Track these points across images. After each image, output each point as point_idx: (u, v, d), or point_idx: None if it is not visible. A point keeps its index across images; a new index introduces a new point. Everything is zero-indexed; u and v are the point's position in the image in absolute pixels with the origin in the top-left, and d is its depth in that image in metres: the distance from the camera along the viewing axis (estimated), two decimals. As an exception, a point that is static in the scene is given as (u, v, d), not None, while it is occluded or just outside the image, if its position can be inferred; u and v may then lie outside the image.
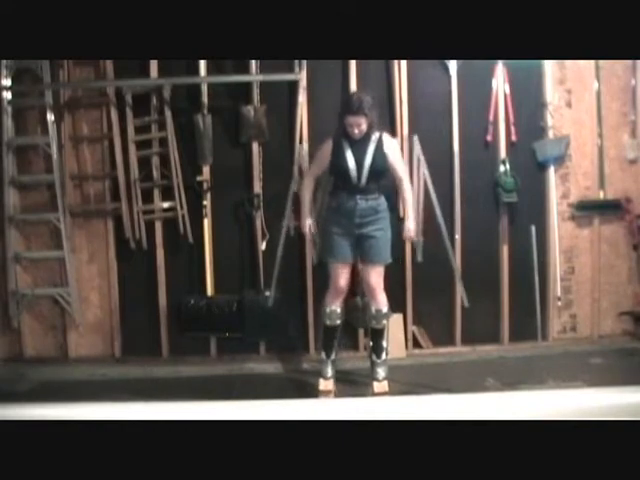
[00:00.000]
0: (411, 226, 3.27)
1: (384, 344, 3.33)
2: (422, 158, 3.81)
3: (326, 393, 3.31)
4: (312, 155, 3.62)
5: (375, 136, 3.18)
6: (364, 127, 3.12)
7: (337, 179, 3.25)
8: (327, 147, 3.25)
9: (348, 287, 3.31)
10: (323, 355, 3.38)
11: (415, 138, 3.85)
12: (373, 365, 3.33)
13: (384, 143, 3.20)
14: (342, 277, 3.24)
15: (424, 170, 3.83)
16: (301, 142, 3.81)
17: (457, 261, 3.99)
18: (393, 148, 3.26)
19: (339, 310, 3.31)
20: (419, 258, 3.92)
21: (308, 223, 3.32)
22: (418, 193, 3.84)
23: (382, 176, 3.22)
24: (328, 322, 3.32)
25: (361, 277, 3.29)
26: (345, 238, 3.20)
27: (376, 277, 3.24)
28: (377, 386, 3.28)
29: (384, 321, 3.30)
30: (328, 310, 3.31)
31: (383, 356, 3.32)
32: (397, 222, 3.47)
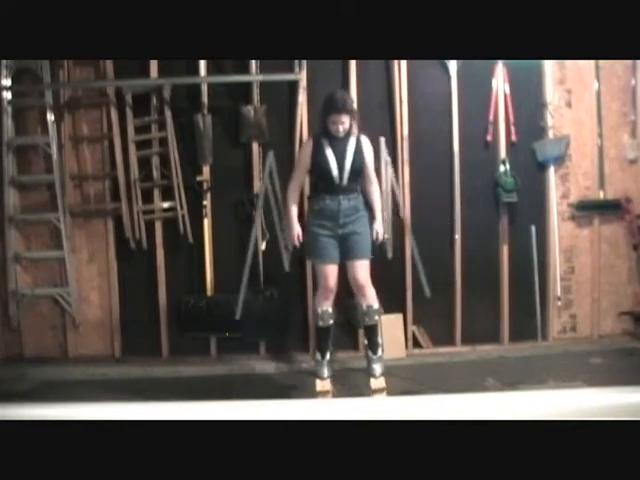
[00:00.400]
0: (380, 228, 3.30)
1: (379, 340, 3.33)
2: (389, 159, 3.81)
3: (324, 394, 3.30)
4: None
5: (354, 136, 3.22)
6: (348, 125, 3.15)
7: (318, 180, 3.27)
8: (308, 146, 3.27)
9: (337, 287, 3.31)
10: (318, 356, 3.38)
11: (381, 140, 3.80)
12: (369, 362, 3.32)
13: (362, 144, 3.24)
14: (331, 278, 3.25)
15: (390, 172, 3.83)
16: (270, 150, 3.80)
17: (457, 261, 4.01)
18: (369, 150, 3.29)
19: (331, 310, 3.31)
20: (389, 255, 3.90)
21: (296, 232, 3.31)
22: (386, 194, 3.82)
23: (360, 175, 3.25)
24: (321, 323, 3.32)
25: (349, 275, 3.28)
26: (330, 239, 3.21)
27: (364, 273, 3.24)
28: (374, 382, 3.28)
29: (376, 317, 3.30)
30: (320, 311, 3.30)
31: (379, 352, 3.31)
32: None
